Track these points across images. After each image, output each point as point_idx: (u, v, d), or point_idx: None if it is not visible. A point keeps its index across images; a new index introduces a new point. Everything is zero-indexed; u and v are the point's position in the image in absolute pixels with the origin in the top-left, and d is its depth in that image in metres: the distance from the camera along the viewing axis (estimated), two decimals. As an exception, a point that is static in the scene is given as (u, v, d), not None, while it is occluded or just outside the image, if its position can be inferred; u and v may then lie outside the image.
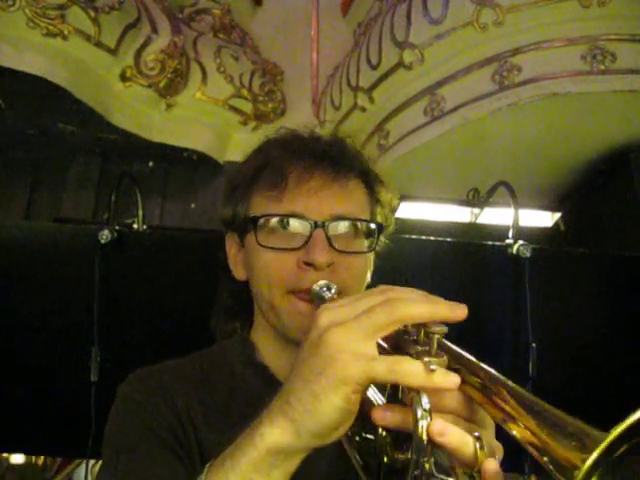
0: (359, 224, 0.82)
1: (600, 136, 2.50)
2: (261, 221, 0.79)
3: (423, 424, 0.48)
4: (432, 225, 2.58)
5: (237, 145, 3.24)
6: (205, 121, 3.09)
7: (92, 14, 2.49)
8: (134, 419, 0.77)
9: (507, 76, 2.35)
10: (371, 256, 0.86)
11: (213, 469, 0.57)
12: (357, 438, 0.61)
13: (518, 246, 1.40)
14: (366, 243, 0.83)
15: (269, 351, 0.85)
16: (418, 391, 0.49)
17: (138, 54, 2.75)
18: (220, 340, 0.92)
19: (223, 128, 3.18)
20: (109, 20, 2.56)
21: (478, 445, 0.49)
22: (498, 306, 1.43)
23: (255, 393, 0.79)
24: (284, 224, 0.79)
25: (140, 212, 1.55)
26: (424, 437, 0.47)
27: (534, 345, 1.33)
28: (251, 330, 0.90)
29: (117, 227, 1.34)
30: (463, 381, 0.50)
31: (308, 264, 0.75)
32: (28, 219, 2.96)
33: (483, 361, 0.53)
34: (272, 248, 0.78)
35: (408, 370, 0.49)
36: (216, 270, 0.96)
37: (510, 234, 1.44)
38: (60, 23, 2.44)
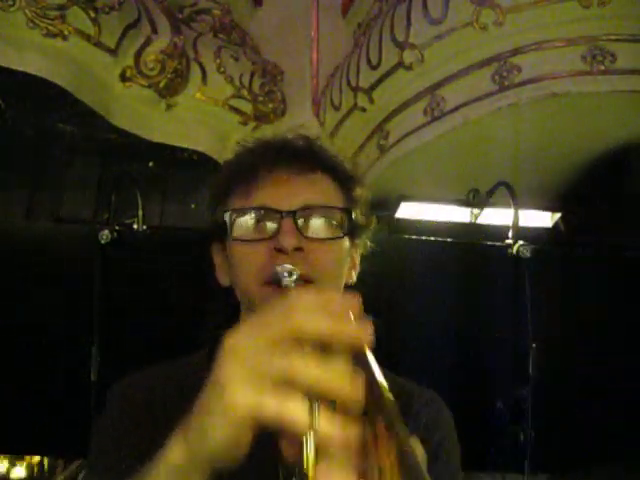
0: (329, 214, 0.83)
1: (600, 136, 2.50)
2: (233, 216, 0.82)
3: (309, 465, 0.45)
4: (432, 225, 2.58)
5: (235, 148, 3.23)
6: (205, 121, 3.09)
7: (92, 14, 2.49)
8: (115, 433, 0.77)
9: (507, 76, 2.35)
10: (353, 253, 0.87)
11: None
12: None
13: (518, 246, 1.40)
14: (339, 233, 0.84)
15: None
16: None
17: (138, 54, 2.75)
18: (206, 345, 0.90)
19: (223, 128, 3.17)
20: (109, 20, 2.56)
21: None
22: (498, 306, 1.43)
23: None
24: (254, 217, 0.81)
25: (140, 212, 1.55)
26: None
27: (534, 345, 1.33)
28: None
29: (117, 227, 1.35)
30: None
31: (278, 250, 0.77)
32: (28, 219, 2.96)
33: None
34: (244, 240, 0.81)
35: (296, 416, 0.45)
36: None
37: (510, 234, 1.44)
38: (60, 23, 2.44)
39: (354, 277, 0.88)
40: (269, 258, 0.78)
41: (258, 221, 0.81)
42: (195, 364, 0.87)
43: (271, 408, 0.46)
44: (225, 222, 0.83)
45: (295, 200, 0.80)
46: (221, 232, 0.86)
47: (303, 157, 0.85)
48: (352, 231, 0.86)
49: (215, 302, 0.96)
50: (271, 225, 0.80)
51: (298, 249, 0.77)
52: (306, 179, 0.84)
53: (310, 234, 0.80)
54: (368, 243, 0.92)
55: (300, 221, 0.79)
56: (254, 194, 0.82)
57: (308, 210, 0.81)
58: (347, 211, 0.85)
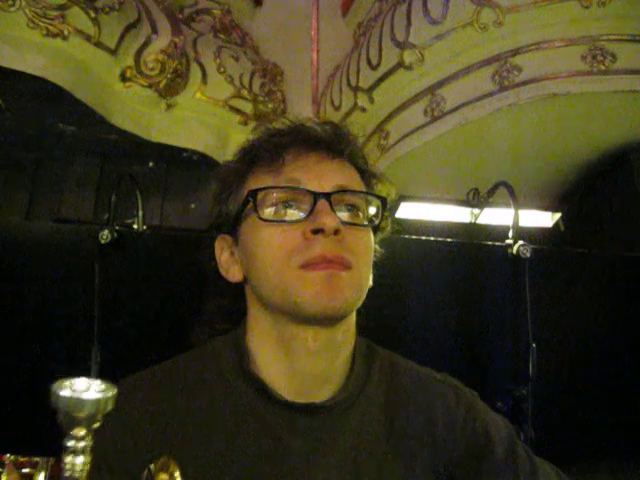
0: (360, 199, 0.78)
1: (600, 136, 2.50)
2: (261, 194, 0.74)
3: None
4: (432, 225, 2.58)
5: (237, 145, 3.23)
6: (205, 121, 3.09)
7: (92, 14, 2.49)
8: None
9: (507, 76, 2.35)
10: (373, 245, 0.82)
11: None
12: None
13: (518, 246, 1.40)
14: (367, 222, 0.79)
15: (266, 361, 0.78)
16: None
17: (138, 54, 2.75)
18: (211, 339, 0.84)
19: (223, 128, 3.17)
20: (109, 20, 2.56)
21: None
22: (498, 306, 1.43)
23: (247, 404, 0.76)
24: (286, 197, 0.74)
25: (140, 212, 1.55)
26: None
27: (534, 345, 1.33)
28: (246, 337, 0.81)
29: (117, 227, 1.34)
30: None
31: (315, 231, 0.71)
32: (28, 219, 2.95)
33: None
34: (276, 221, 0.73)
35: None
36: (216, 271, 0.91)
37: (510, 234, 1.44)
38: (60, 23, 2.44)
39: (371, 281, 0.81)
40: (305, 242, 0.71)
41: (288, 202, 0.74)
42: (209, 357, 0.81)
43: None
44: (246, 204, 0.76)
45: (328, 182, 0.75)
46: (235, 220, 0.79)
47: (333, 142, 0.79)
48: (378, 224, 0.80)
49: (220, 299, 0.88)
50: (304, 207, 0.73)
51: (336, 232, 0.71)
52: (337, 163, 0.78)
53: (343, 218, 0.74)
54: (379, 249, 0.86)
55: (335, 202, 0.73)
56: (283, 174, 0.75)
57: (342, 194, 0.75)
58: (382, 200, 0.80)
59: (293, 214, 0.74)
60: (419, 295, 1.42)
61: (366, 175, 0.84)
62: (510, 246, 1.42)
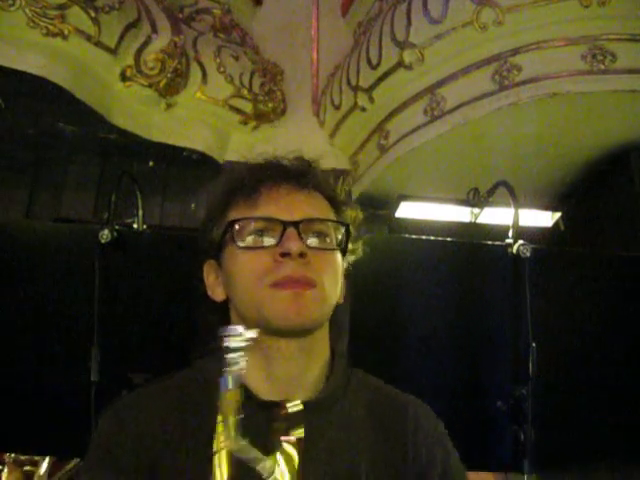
0: (326, 226, 0.89)
1: (600, 136, 2.50)
2: (238, 225, 0.87)
3: None
4: (432, 225, 2.58)
5: (237, 145, 3.23)
6: (205, 121, 3.09)
7: (92, 14, 2.49)
8: (101, 464, 0.82)
9: (507, 76, 2.35)
10: (342, 266, 0.91)
11: None
12: None
13: (518, 246, 1.40)
14: (334, 246, 0.90)
15: (248, 369, 0.81)
16: None
17: (138, 54, 2.75)
18: (197, 360, 0.94)
19: (223, 128, 3.17)
20: (109, 20, 2.56)
21: None
22: (498, 306, 1.43)
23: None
24: (259, 226, 0.86)
25: (140, 212, 1.55)
26: None
27: (534, 345, 1.33)
28: None
29: (117, 227, 1.34)
30: None
31: (283, 255, 0.82)
32: (28, 219, 2.95)
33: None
34: (250, 248, 0.86)
35: None
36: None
37: (510, 234, 1.44)
38: (60, 23, 2.43)
39: (342, 299, 0.92)
40: (274, 264, 0.83)
41: (262, 231, 0.86)
42: (195, 374, 0.90)
43: None
44: (227, 233, 0.88)
45: (297, 212, 0.86)
46: (218, 247, 0.90)
47: (301, 175, 0.91)
48: (345, 247, 0.92)
49: (206, 319, 0.97)
50: (275, 234, 0.85)
51: (301, 255, 0.82)
52: (305, 195, 0.90)
53: (310, 244, 0.85)
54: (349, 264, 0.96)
55: (302, 233, 0.84)
56: (258, 206, 0.87)
57: (309, 222, 0.86)
58: (345, 226, 0.91)
59: (267, 241, 0.85)
60: (419, 294, 1.42)
61: (335, 203, 0.95)
62: (510, 246, 1.42)
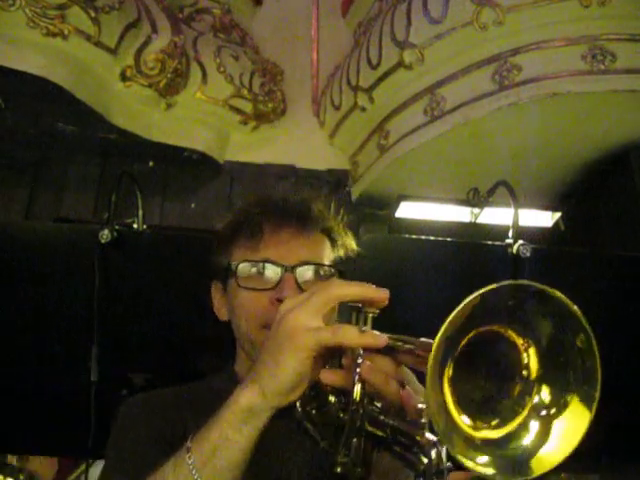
0: (322, 270, 0.98)
1: (600, 136, 2.50)
2: (240, 266, 0.97)
3: (358, 368, 0.65)
4: (432, 225, 2.58)
5: (237, 145, 3.23)
6: (205, 121, 3.09)
7: (92, 14, 2.48)
8: (134, 431, 0.93)
9: (507, 76, 2.35)
10: None
11: (198, 431, 0.73)
12: (313, 412, 0.78)
13: (518, 246, 1.40)
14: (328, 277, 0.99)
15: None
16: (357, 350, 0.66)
17: (138, 54, 2.75)
18: (210, 375, 1.09)
19: (223, 128, 3.17)
20: (109, 20, 2.56)
21: (399, 385, 0.67)
22: (498, 306, 1.42)
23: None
24: (259, 269, 0.96)
25: (140, 212, 1.55)
26: (359, 380, 0.64)
27: (534, 345, 1.33)
28: (235, 364, 1.07)
29: (117, 227, 1.34)
30: (391, 348, 0.68)
31: (279, 300, 0.89)
32: (28, 219, 2.95)
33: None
34: (249, 289, 0.95)
35: (346, 333, 0.66)
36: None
37: (510, 234, 1.44)
38: (60, 23, 2.43)
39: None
40: (270, 307, 0.92)
41: (262, 272, 0.96)
42: (206, 384, 1.05)
43: (328, 334, 0.66)
44: (231, 269, 0.97)
45: (295, 256, 0.96)
46: (225, 274, 1.01)
47: (304, 219, 1.00)
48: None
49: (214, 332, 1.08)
50: (274, 277, 0.95)
51: None
52: (305, 238, 0.99)
53: (306, 288, 0.93)
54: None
55: (298, 276, 0.94)
56: (260, 249, 0.97)
57: (305, 265, 0.96)
58: (338, 271, 1.02)
59: (266, 280, 0.95)
60: (419, 295, 1.42)
61: (333, 239, 1.05)
62: (510, 246, 1.42)
